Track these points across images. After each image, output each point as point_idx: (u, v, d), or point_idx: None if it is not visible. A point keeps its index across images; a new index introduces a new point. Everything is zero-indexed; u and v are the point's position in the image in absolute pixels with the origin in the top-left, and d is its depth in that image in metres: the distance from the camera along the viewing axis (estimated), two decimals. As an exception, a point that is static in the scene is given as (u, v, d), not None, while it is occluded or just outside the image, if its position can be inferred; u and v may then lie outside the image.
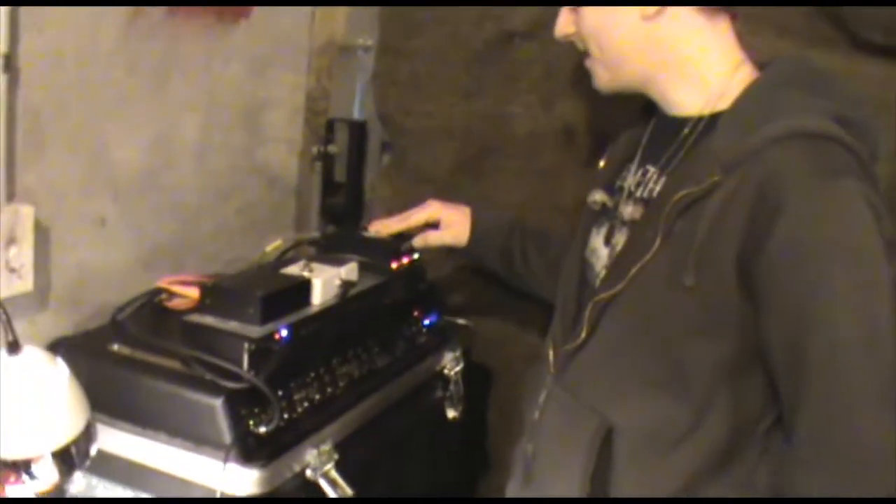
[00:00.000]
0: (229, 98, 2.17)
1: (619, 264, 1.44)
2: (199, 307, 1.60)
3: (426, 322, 2.02)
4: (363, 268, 1.85)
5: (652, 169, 1.49)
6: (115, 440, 1.53)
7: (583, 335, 1.46)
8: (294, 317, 1.62)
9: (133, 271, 1.94)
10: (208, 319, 1.57)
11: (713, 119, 1.39)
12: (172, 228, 2.07)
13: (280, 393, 1.55)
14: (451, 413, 2.05)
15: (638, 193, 1.50)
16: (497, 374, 2.36)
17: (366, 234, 1.99)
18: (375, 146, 2.49)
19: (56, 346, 1.64)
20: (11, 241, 1.60)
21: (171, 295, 1.81)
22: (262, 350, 1.52)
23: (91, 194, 1.83)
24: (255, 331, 1.53)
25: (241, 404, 1.49)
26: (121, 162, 1.89)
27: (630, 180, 1.54)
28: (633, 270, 1.38)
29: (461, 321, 2.18)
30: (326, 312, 1.69)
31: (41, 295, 1.72)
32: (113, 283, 1.88)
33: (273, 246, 2.06)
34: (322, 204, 2.49)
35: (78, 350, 1.60)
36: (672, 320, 1.36)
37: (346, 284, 1.75)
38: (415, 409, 1.94)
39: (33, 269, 1.66)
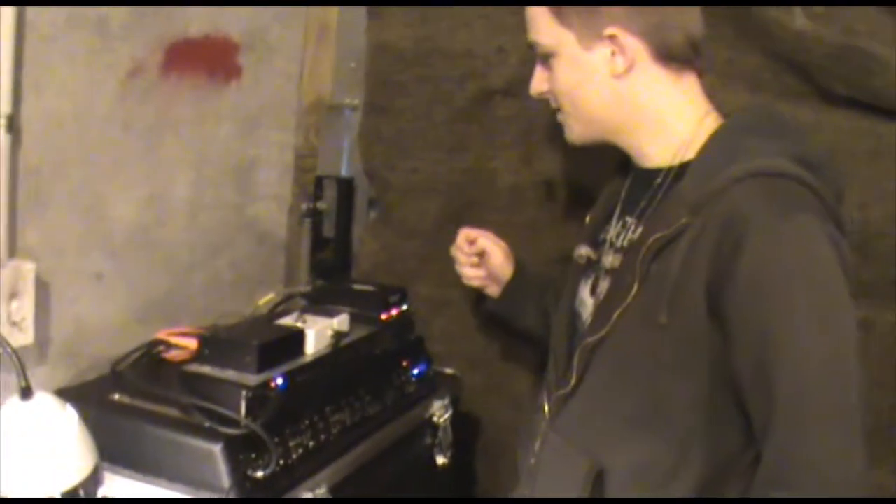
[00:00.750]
0: (220, 156, 2.22)
1: (602, 310, 1.50)
2: (198, 357, 1.66)
3: (415, 372, 2.07)
4: (354, 319, 1.92)
5: (630, 219, 1.55)
6: (116, 486, 1.56)
7: (573, 380, 1.51)
8: (289, 366, 1.68)
9: (129, 325, 1.98)
10: (207, 369, 1.62)
11: (682, 168, 1.46)
12: (166, 283, 2.10)
13: (276, 439, 1.59)
14: (440, 460, 2.09)
15: (618, 244, 1.56)
16: (484, 423, 2.40)
17: (355, 286, 2.05)
18: (362, 202, 2.54)
19: (59, 396, 1.67)
20: (13, 295, 1.64)
21: (169, 346, 1.85)
22: (259, 397, 1.57)
23: (89, 250, 1.87)
24: (253, 379, 1.59)
25: (239, 450, 1.53)
26: (117, 219, 1.93)
27: (612, 232, 1.60)
28: (615, 315, 1.44)
29: (449, 371, 2.23)
30: (320, 362, 1.75)
31: (41, 348, 1.76)
32: (109, 336, 1.92)
33: (265, 299, 2.11)
34: (311, 259, 2.53)
35: (80, 399, 1.62)
36: (650, 359, 1.41)
37: (339, 335, 1.82)
38: (405, 456, 1.99)
39: (34, 322, 1.70)
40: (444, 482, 2.15)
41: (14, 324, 1.65)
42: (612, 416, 1.48)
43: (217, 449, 1.51)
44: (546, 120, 2.19)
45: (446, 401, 2.11)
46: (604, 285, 1.56)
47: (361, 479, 1.79)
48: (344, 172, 2.55)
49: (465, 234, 2.04)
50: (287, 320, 1.80)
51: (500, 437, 2.36)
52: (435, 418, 2.08)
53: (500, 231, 2.28)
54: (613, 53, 1.46)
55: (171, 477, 1.55)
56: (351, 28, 2.45)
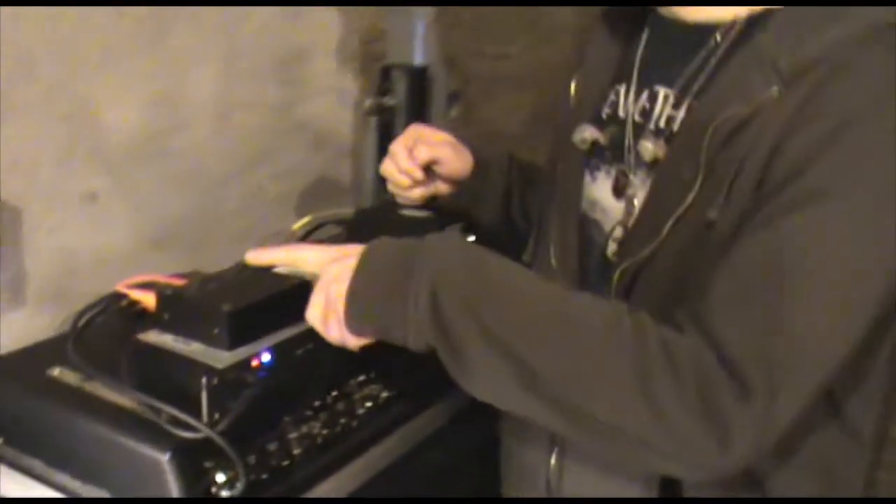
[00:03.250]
0: (255, 46, 1.92)
1: (647, 218, 1.20)
2: (157, 322, 1.23)
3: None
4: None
5: (664, 90, 1.23)
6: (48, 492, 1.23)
7: None
8: (283, 334, 1.24)
9: (139, 254, 1.74)
10: (167, 339, 1.20)
11: (752, 22, 1.15)
12: (186, 202, 1.84)
13: (264, 435, 1.21)
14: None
15: (651, 124, 1.24)
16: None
17: (405, 211, 1.63)
18: (440, 97, 2.27)
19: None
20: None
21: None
22: (231, 384, 1.15)
23: (74, 166, 1.63)
24: (222, 358, 1.16)
25: (200, 458, 1.14)
26: (112, 126, 1.67)
27: (631, 108, 1.28)
28: (669, 223, 1.14)
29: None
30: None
31: (13, 289, 1.53)
32: (112, 269, 1.65)
33: (300, 223, 1.74)
34: (377, 166, 2.15)
35: (10, 374, 1.31)
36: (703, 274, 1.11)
37: (362, 285, 1.38)
38: (458, 441, 1.56)
39: (-2, 258, 1.45)
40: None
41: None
42: None
43: (164, 459, 1.12)
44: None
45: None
46: (636, 182, 1.24)
47: (390, 483, 1.40)
48: (417, 61, 2.24)
49: (402, 144, 1.61)
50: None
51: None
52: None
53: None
54: None
55: (114, 489, 1.18)
56: None
